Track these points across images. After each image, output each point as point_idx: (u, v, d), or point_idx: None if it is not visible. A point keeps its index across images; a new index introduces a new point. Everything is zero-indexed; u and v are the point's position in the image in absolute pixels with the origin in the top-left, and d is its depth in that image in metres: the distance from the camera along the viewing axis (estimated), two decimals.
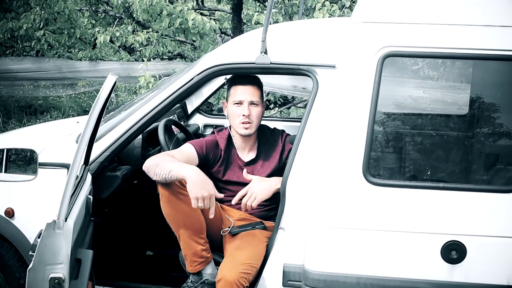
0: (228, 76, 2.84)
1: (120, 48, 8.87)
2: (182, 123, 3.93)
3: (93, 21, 8.11)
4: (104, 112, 2.26)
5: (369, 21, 2.29)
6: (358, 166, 2.25)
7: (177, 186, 2.39)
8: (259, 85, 2.71)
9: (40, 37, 7.72)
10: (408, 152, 2.35)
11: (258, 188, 2.55)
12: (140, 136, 2.91)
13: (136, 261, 3.33)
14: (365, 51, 2.27)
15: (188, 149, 2.65)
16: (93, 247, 2.53)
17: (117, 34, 7.15)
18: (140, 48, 7.87)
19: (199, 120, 4.33)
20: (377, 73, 2.25)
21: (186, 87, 2.56)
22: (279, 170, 2.70)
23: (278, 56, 2.45)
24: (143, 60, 7.36)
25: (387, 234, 2.25)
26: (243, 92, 2.64)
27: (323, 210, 2.30)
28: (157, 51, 7.76)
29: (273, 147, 2.77)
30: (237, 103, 2.64)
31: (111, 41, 7.78)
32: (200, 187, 2.26)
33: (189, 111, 4.32)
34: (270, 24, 2.47)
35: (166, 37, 7.48)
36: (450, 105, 2.92)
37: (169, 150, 2.80)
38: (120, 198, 2.98)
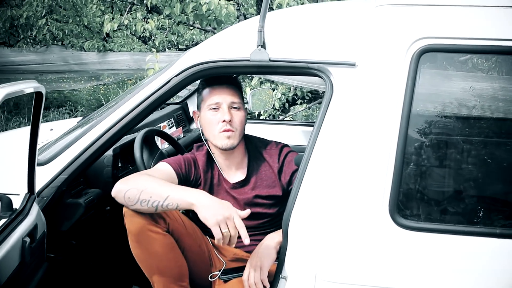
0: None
1: (134, 37, 8.46)
2: (181, 128, 3.48)
3: (102, 8, 7.71)
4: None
5: (399, 3, 1.79)
6: (383, 201, 1.76)
7: (148, 221, 1.94)
8: (238, 86, 2.27)
9: (42, 26, 7.36)
10: (454, 183, 1.84)
11: (256, 258, 2.06)
12: (111, 153, 2.47)
13: None
14: (393, 44, 1.79)
15: (164, 168, 2.19)
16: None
17: (126, 22, 6.71)
18: (153, 37, 7.44)
19: None
20: (411, 75, 1.77)
21: (161, 91, 2.10)
22: (279, 198, 2.22)
23: (279, 51, 1.96)
24: (158, 51, 6.95)
25: None
26: (221, 93, 2.20)
27: (336, 259, 1.82)
28: (172, 40, 7.31)
29: (268, 166, 2.30)
30: (214, 108, 2.20)
31: (119, 29, 7.38)
32: (217, 208, 1.80)
33: (191, 113, 3.87)
34: (273, 9, 1.97)
35: (180, 24, 7.01)
36: None
37: (146, 169, 2.35)
38: (89, 227, 2.54)
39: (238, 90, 2.26)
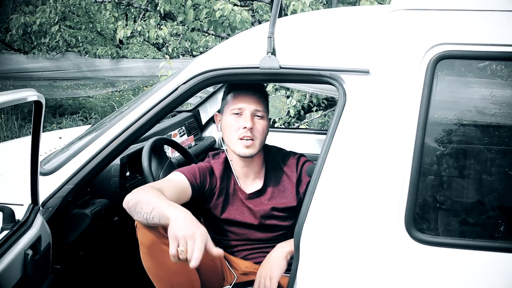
0: None
1: (148, 44, 8.45)
2: (192, 136, 3.44)
3: (116, 14, 7.71)
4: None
5: (414, 8, 1.73)
6: (399, 214, 1.70)
7: (160, 234, 1.89)
8: (264, 95, 2.23)
9: (55, 33, 7.37)
10: (474, 194, 1.77)
11: (266, 268, 2.04)
12: (118, 162, 2.43)
13: None
14: (408, 51, 1.73)
15: (178, 178, 2.14)
16: None
17: (139, 28, 6.70)
18: (167, 44, 7.42)
19: (215, 132, 3.82)
20: (427, 82, 1.71)
21: (169, 99, 2.05)
22: (294, 209, 2.16)
23: (290, 58, 1.91)
24: (171, 58, 6.92)
25: None
26: (245, 99, 2.16)
27: (350, 274, 1.76)
28: (185, 46, 7.29)
29: (285, 176, 2.25)
30: (237, 113, 2.15)
31: (132, 36, 7.37)
32: (184, 225, 1.69)
33: (203, 121, 3.83)
34: (283, 15, 1.93)
35: (194, 30, 6.98)
36: None
37: (154, 180, 2.30)
38: (97, 238, 2.51)
39: (264, 98, 2.22)
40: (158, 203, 1.81)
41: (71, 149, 2.22)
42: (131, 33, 7.02)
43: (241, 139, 2.14)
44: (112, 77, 7.95)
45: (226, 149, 2.26)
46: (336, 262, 1.78)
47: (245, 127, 2.12)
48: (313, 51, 1.90)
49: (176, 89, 2.04)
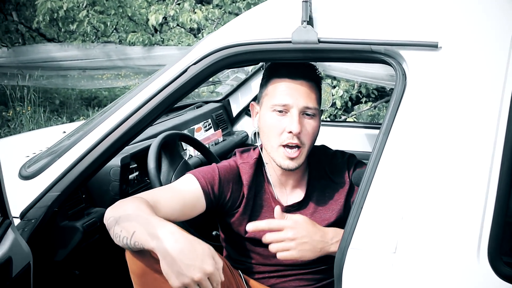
0: None
1: (183, 30, 8.11)
2: (220, 130, 3.05)
3: None
4: None
5: None
6: (480, 242, 1.28)
7: (153, 259, 1.50)
8: (318, 83, 1.76)
9: (83, 19, 7.08)
10: None
11: (301, 233, 1.58)
12: (118, 163, 2.06)
13: None
14: (495, 17, 1.29)
15: (187, 185, 1.74)
16: None
17: (172, 13, 6.35)
18: (202, 30, 7.07)
19: (248, 126, 3.41)
20: None
21: (176, 84, 1.67)
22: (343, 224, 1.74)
23: (331, 29, 1.50)
24: None
25: None
26: (292, 92, 1.69)
27: None
28: None
29: (333, 184, 1.82)
30: (280, 111, 1.70)
31: (166, 22, 7.05)
32: (184, 266, 1.33)
33: (234, 113, 3.44)
34: None
35: (231, 14, 6.60)
36: None
37: (162, 185, 1.93)
38: (94, 254, 2.15)
39: (317, 89, 1.76)
40: (138, 225, 1.43)
41: (58, 148, 1.86)
42: (164, 18, 6.69)
43: (284, 146, 1.70)
44: (145, 66, 7.63)
45: (260, 147, 1.83)
46: None
47: (290, 132, 1.67)
48: (362, 20, 1.49)
49: (185, 70, 1.66)
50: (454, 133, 1.33)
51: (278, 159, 1.72)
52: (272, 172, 1.82)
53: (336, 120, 6.74)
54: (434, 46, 1.39)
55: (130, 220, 1.46)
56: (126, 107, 1.72)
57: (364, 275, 1.41)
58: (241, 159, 1.84)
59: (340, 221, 1.77)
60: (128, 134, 1.72)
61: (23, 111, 7.28)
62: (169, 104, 1.71)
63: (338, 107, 6.75)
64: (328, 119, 6.64)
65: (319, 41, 1.49)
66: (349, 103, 6.97)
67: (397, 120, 1.41)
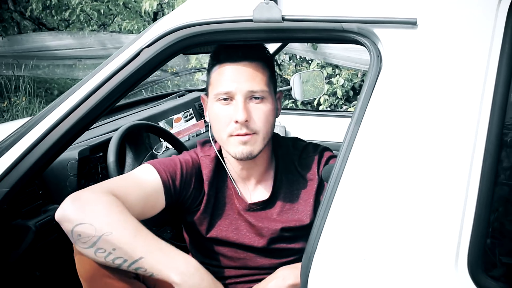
0: None
1: None
2: (203, 120, 2.90)
3: None
4: None
5: None
6: (459, 250, 1.12)
7: (104, 267, 1.36)
8: (265, 60, 1.58)
9: (76, 6, 6.93)
10: None
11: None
12: (76, 157, 1.91)
13: None
14: None
15: (146, 175, 1.57)
16: None
17: (166, 0, 6.19)
18: None
19: None
20: (508, 37, 1.11)
21: (129, 69, 1.52)
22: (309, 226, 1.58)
23: (297, 7, 1.34)
24: None
25: None
26: (235, 77, 1.52)
27: None
28: None
29: (303, 180, 1.66)
30: (225, 99, 1.53)
31: (161, 9, 6.87)
32: None
33: None
34: None
35: None
36: None
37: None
38: (56, 253, 2.01)
39: (266, 68, 1.57)
40: (147, 251, 1.32)
41: (8, 140, 1.71)
42: (159, 5, 6.52)
43: (234, 135, 1.53)
44: None
45: (214, 141, 1.67)
46: None
47: (237, 121, 1.51)
48: None
49: (138, 53, 1.50)
50: (431, 125, 1.18)
51: (231, 148, 1.54)
52: (231, 167, 1.66)
53: (337, 110, 6.56)
54: (412, 24, 1.24)
55: (130, 244, 1.31)
56: (77, 94, 1.57)
57: (332, 283, 1.26)
58: (202, 151, 1.68)
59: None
60: (81, 123, 1.57)
61: (18, 101, 7.17)
62: (124, 91, 1.56)
63: (339, 97, 6.56)
64: (329, 109, 6.47)
65: (284, 19, 1.33)
66: (351, 92, 6.77)
67: (370, 107, 1.26)
